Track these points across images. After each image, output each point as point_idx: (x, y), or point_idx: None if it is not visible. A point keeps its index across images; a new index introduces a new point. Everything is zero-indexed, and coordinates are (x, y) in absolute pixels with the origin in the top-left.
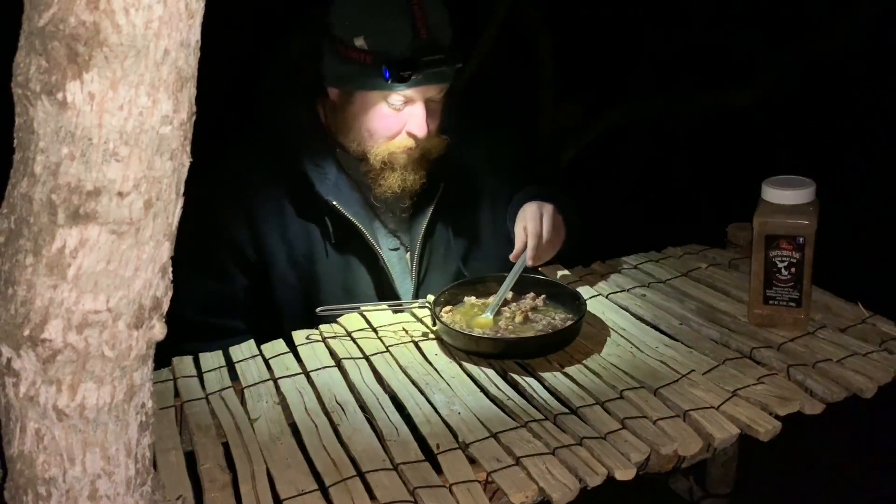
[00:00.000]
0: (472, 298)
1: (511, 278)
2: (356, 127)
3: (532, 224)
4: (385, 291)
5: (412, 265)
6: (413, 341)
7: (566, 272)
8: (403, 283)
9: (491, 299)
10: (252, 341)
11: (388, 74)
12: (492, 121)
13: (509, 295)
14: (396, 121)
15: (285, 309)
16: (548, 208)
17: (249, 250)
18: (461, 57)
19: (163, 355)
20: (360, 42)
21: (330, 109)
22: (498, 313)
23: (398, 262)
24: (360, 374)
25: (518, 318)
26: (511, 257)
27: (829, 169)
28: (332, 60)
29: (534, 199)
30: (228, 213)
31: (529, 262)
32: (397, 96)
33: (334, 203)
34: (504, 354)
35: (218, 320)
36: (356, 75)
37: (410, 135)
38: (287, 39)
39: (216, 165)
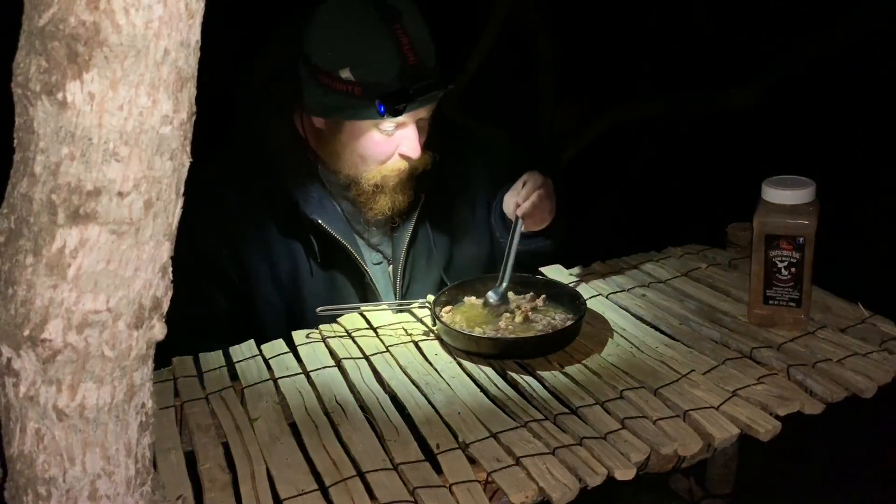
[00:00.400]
0: (472, 298)
1: (512, 242)
2: (346, 154)
3: (532, 179)
4: None
5: (395, 278)
6: (413, 341)
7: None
8: (388, 296)
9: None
10: (252, 341)
11: (382, 109)
12: (480, 131)
13: (510, 295)
14: (388, 145)
15: (269, 329)
16: (547, 178)
17: (232, 271)
18: (451, 77)
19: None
20: (346, 74)
21: (313, 134)
22: (498, 313)
23: (382, 276)
24: (360, 374)
25: (518, 318)
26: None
27: (829, 169)
28: (316, 90)
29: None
30: (211, 235)
31: (526, 209)
32: (389, 123)
33: (319, 221)
34: (504, 354)
35: (199, 344)
36: (345, 107)
37: (403, 156)
38: (261, 55)
39: (196, 184)
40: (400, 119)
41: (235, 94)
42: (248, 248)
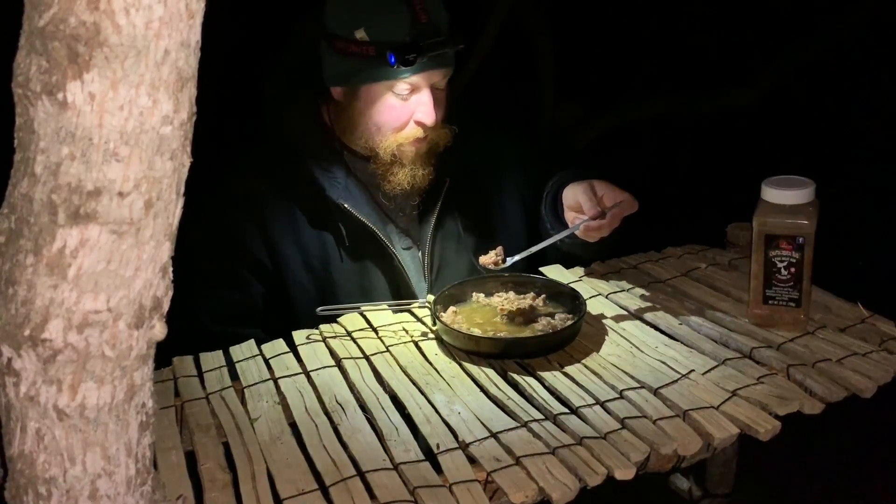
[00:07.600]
0: (480, 296)
1: (557, 237)
2: (363, 123)
3: (622, 206)
4: (402, 291)
5: (423, 263)
6: (413, 341)
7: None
8: (419, 281)
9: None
10: (252, 341)
11: (393, 60)
12: (495, 114)
13: (511, 295)
14: (404, 111)
15: (303, 315)
16: (635, 202)
17: (265, 258)
18: (462, 38)
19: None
20: (360, 35)
21: (334, 110)
22: (497, 312)
23: (412, 261)
24: (360, 374)
25: (518, 319)
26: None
27: (829, 169)
28: (333, 59)
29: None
30: (241, 222)
31: (593, 228)
32: (403, 85)
33: (345, 205)
34: (504, 354)
35: (237, 329)
36: (359, 69)
37: (419, 123)
38: (285, 45)
39: (226, 175)
40: (413, 80)
41: (263, 88)
42: (280, 235)
